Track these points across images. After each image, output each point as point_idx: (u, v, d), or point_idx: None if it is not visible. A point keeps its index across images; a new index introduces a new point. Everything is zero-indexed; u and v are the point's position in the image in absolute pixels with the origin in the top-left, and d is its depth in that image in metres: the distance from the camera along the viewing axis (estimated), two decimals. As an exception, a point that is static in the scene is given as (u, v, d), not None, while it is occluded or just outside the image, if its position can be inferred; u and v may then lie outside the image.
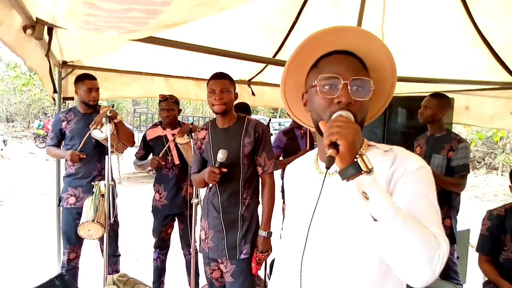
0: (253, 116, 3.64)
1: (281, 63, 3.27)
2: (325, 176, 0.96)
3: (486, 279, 2.77)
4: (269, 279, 3.31)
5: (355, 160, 0.90)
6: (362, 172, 0.89)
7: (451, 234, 3.05)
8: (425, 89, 3.93)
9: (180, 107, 3.54)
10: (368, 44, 1.05)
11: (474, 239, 2.95)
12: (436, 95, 3.15)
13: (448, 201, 3.06)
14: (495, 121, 4.22)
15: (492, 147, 12.96)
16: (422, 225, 0.92)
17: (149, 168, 3.43)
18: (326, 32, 1.05)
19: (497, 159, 12.37)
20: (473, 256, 2.87)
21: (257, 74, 4.54)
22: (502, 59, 3.21)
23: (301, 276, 1.07)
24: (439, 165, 3.02)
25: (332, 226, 1.07)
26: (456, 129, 12.41)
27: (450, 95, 4.12)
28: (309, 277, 1.11)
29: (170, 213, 3.41)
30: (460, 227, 3.42)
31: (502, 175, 12.08)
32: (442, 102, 3.11)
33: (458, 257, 3.16)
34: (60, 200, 3.25)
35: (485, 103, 4.20)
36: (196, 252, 3.02)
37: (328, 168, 0.90)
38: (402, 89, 4.13)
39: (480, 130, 11.02)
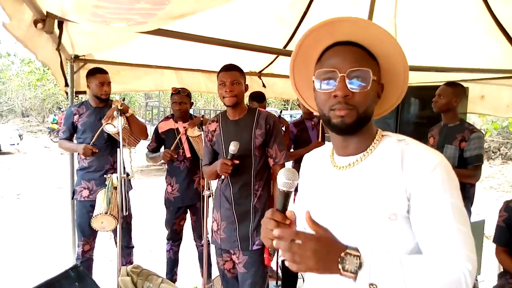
0: (264, 108, 3.62)
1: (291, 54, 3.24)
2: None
3: (502, 270, 2.74)
4: (281, 270, 3.32)
5: (339, 270, 0.88)
6: (355, 274, 0.87)
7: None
8: (438, 79, 3.86)
9: (192, 100, 3.54)
10: (369, 32, 1.02)
11: (489, 230, 2.91)
12: (451, 84, 3.09)
13: (462, 193, 3.02)
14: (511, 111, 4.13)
15: (508, 137, 12.72)
16: (438, 262, 0.90)
17: (162, 161, 3.45)
18: (322, 25, 1.03)
19: (513, 149, 12.16)
20: (488, 247, 2.83)
21: (267, 66, 4.52)
22: (519, 46, 3.13)
23: None
24: (451, 156, 2.97)
25: (341, 222, 1.05)
26: (471, 119, 12.23)
27: (464, 84, 4.03)
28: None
29: (182, 205, 3.43)
30: (475, 218, 3.38)
31: (518, 165, 11.87)
32: (457, 90, 3.05)
33: (472, 248, 3.11)
34: (73, 193, 3.29)
35: (501, 92, 4.12)
36: (209, 244, 3.04)
37: None
38: (415, 79, 4.06)
39: (495, 120, 10.82)
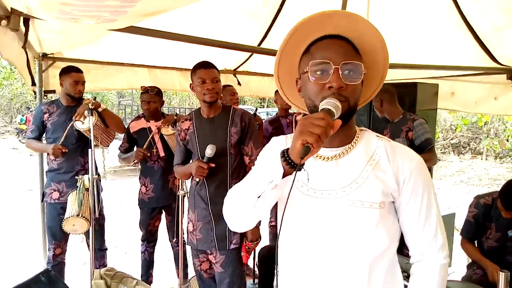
0: (240, 106, 3.61)
1: (266, 52, 3.23)
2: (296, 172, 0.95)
3: (470, 261, 2.84)
4: (258, 268, 3.32)
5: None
6: None
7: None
8: (410, 76, 3.93)
9: (165, 99, 3.49)
10: (358, 27, 1.05)
11: (459, 223, 3.00)
12: None
13: None
14: (480, 107, 4.26)
15: (477, 132, 13.16)
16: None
17: (135, 160, 3.38)
18: (315, 17, 1.04)
19: (482, 144, 12.57)
20: (458, 240, 2.93)
21: (242, 64, 4.50)
22: (485, 44, 3.22)
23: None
24: None
25: (331, 209, 1.07)
26: (442, 115, 12.59)
27: (434, 81, 4.14)
28: (301, 268, 1.11)
29: (157, 206, 3.38)
30: (445, 211, 3.47)
31: (486, 159, 12.30)
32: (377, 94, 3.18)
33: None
34: (43, 195, 3.19)
35: (470, 89, 4.23)
36: (184, 244, 3.00)
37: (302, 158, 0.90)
38: (388, 76, 4.12)
39: (465, 116, 11.17)
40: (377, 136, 1.13)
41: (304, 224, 1.10)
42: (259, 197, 1.04)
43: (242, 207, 1.11)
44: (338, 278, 1.06)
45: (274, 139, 1.27)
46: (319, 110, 0.98)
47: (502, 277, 2.12)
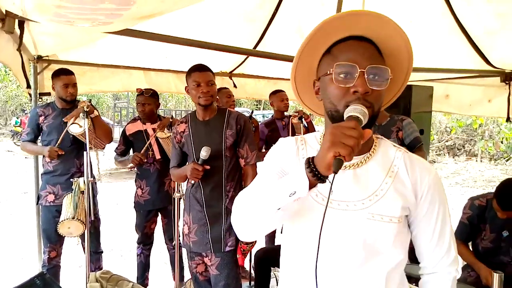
0: (236, 109, 3.61)
1: (262, 54, 3.25)
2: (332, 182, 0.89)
3: (465, 263, 2.85)
4: (253, 269, 3.32)
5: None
6: None
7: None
8: (405, 78, 3.94)
9: (161, 101, 3.48)
10: (384, 29, 1.00)
11: (453, 224, 3.02)
12: None
13: None
14: (474, 109, 4.29)
15: (472, 134, 13.25)
16: None
17: (131, 164, 3.37)
18: (341, 16, 0.99)
19: (477, 146, 12.66)
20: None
21: (238, 66, 4.51)
22: (479, 47, 3.24)
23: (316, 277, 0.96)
24: None
25: (347, 219, 1.02)
26: (437, 117, 12.65)
27: (429, 84, 4.17)
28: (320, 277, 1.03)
29: (153, 208, 3.37)
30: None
31: (481, 161, 12.37)
32: None
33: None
34: (38, 198, 3.18)
35: (464, 91, 4.27)
36: (180, 246, 3.00)
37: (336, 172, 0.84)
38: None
39: (460, 118, 11.25)
40: (394, 145, 1.10)
41: (318, 235, 1.00)
42: (279, 209, 0.95)
43: (258, 218, 1.02)
44: None
45: (282, 140, 1.19)
46: (345, 117, 0.93)
47: (496, 278, 2.13)
